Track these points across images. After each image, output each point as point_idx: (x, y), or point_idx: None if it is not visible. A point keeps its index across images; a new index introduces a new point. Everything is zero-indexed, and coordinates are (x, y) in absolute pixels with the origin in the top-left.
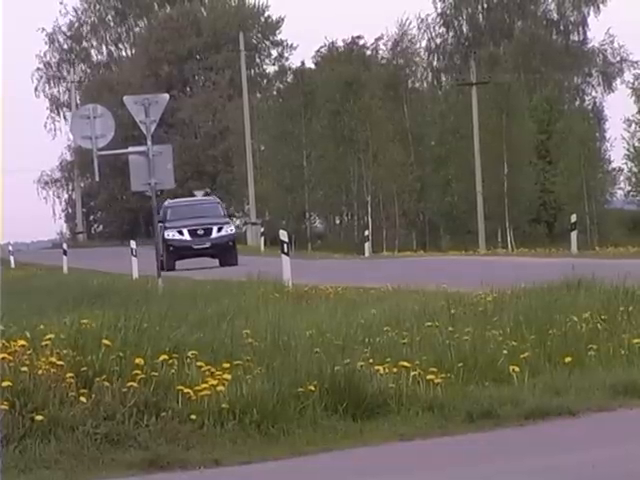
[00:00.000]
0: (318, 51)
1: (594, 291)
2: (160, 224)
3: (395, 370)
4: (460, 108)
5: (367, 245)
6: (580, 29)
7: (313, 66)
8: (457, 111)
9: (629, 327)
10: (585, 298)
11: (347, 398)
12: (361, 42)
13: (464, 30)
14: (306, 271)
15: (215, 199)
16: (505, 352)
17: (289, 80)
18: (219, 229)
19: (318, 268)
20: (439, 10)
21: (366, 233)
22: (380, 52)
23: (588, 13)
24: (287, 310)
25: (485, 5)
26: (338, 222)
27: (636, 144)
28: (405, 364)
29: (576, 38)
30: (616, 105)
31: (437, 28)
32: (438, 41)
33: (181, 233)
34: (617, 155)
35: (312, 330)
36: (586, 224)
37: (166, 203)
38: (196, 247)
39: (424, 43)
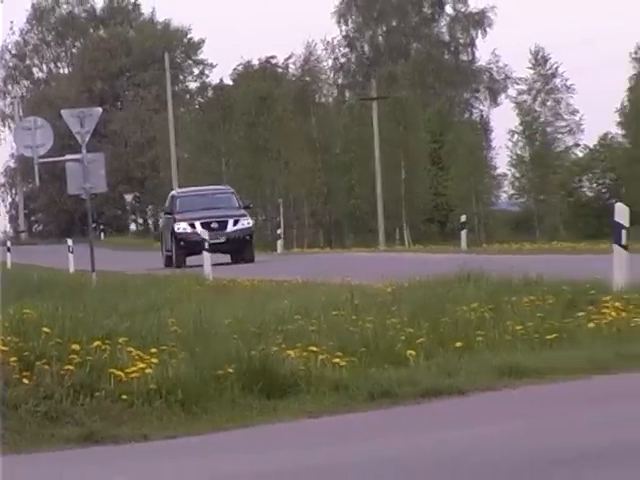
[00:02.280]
0: (235, 69)
1: (482, 283)
2: (167, 216)
3: (305, 354)
4: (362, 120)
5: (280, 242)
6: (469, 49)
7: (231, 82)
8: (359, 123)
9: (513, 315)
10: (474, 290)
11: (262, 379)
12: (273, 61)
13: (365, 50)
14: (225, 266)
15: (229, 188)
16: (403, 338)
17: (209, 95)
18: (235, 222)
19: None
20: (343, 32)
21: (278, 232)
22: (290, 70)
23: (476, 35)
24: (208, 301)
25: (384, 28)
26: (254, 222)
27: (518, 152)
28: (314, 349)
29: (465, 58)
30: (501, 117)
31: (341, 49)
32: (342, 60)
33: (193, 226)
34: (502, 162)
35: (230, 319)
36: (474, 223)
37: (174, 192)
38: (210, 242)
39: (330, 62)
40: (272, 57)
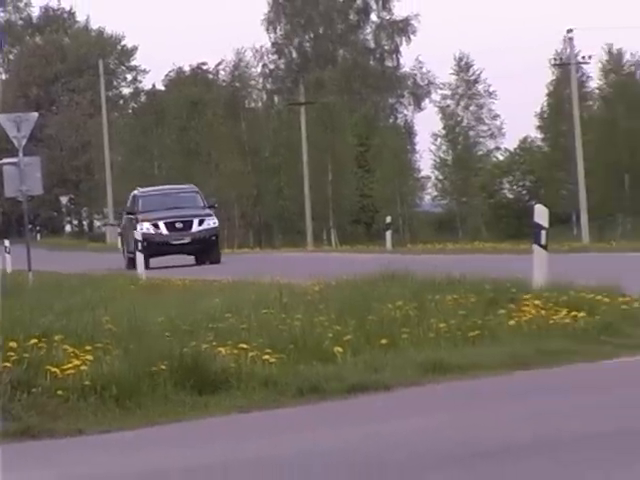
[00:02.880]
0: (167, 75)
1: (406, 282)
2: (130, 216)
3: (235, 351)
4: (291, 125)
5: None
6: (394, 56)
7: (163, 88)
8: (288, 127)
9: (437, 313)
10: (399, 288)
11: (194, 376)
12: (204, 67)
13: (294, 57)
14: (157, 265)
15: (193, 187)
16: (330, 335)
17: (142, 100)
18: (200, 222)
19: (167, 263)
20: (272, 40)
21: None
22: (220, 76)
23: (400, 42)
24: (141, 300)
25: (312, 35)
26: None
27: (441, 155)
28: (244, 346)
29: (390, 64)
30: (425, 122)
31: (270, 55)
32: (271, 67)
33: (156, 227)
34: (425, 165)
35: (163, 317)
36: (399, 224)
37: (136, 192)
38: (174, 243)
39: (259, 68)
40: (203, 63)
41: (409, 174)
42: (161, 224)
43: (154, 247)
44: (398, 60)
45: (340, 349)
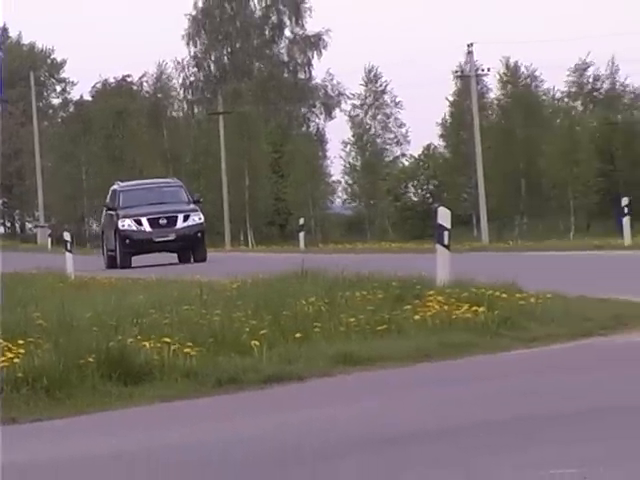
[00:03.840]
0: (94, 86)
1: (318, 280)
2: (110, 212)
3: (158, 345)
4: (210, 133)
5: None
6: (306, 69)
7: (90, 98)
8: (207, 135)
9: (346, 309)
10: (311, 286)
11: (119, 368)
12: (129, 79)
13: (212, 70)
14: (87, 265)
15: (176, 181)
16: (247, 329)
17: (71, 110)
18: (185, 218)
19: (95, 262)
20: (192, 53)
21: None
22: (144, 87)
23: (312, 56)
24: (70, 297)
25: (229, 49)
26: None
27: (351, 161)
28: (167, 340)
29: (303, 76)
30: (335, 130)
31: (190, 68)
32: (191, 79)
33: (139, 223)
34: (336, 170)
35: (91, 313)
36: (311, 226)
37: (116, 186)
38: (158, 240)
39: (180, 80)
40: (127, 75)
41: (320, 179)
42: (144, 220)
43: (136, 245)
44: (310, 72)
45: (256, 342)
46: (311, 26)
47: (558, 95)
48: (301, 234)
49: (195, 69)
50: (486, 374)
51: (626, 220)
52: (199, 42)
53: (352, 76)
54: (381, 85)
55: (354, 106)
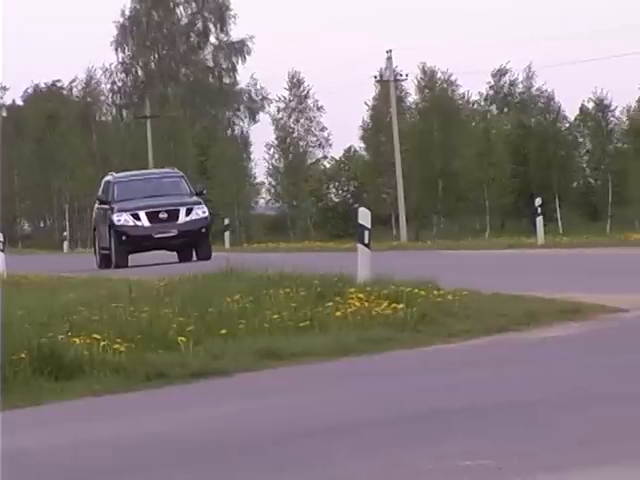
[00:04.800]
0: (26, 91)
1: (243, 278)
2: (103, 206)
3: (89, 341)
4: (138, 136)
5: (65, 243)
6: (231, 74)
7: (22, 103)
8: (135, 138)
9: (270, 306)
10: (236, 283)
11: (51, 363)
12: (59, 84)
13: (140, 75)
14: (19, 264)
15: (177, 172)
16: (174, 326)
17: (3, 114)
18: (188, 212)
19: (27, 262)
20: (120, 59)
21: (65, 234)
22: (74, 92)
23: (237, 61)
24: (3, 295)
25: (156, 55)
26: (42, 225)
27: (274, 163)
28: (96, 336)
29: (228, 81)
30: (259, 133)
31: (119, 74)
32: (120, 84)
33: (137, 218)
34: (260, 172)
35: (23, 310)
36: (237, 226)
37: (109, 177)
38: (158, 236)
39: (109, 85)
40: (58, 80)
41: (245, 180)
42: (142, 214)
43: (134, 242)
44: (235, 77)
45: (183, 338)
46: (235, 33)
47: (474, 99)
48: (226, 234)
49: (123, 74)
50: (405, 369)
51: (539, 220)
52: (127, 48)
53: (276, 81)
54: (304, 90)
55: (278, 110)
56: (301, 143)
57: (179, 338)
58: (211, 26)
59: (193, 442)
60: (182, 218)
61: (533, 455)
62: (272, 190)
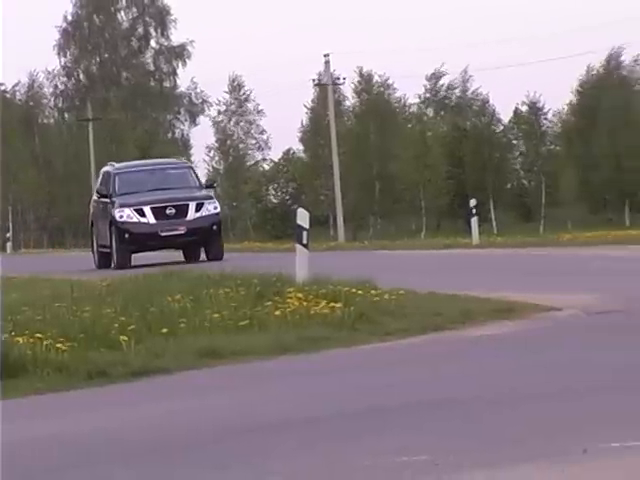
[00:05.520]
0: None
1: (184, 277)
2: (103, 199)
3: (32, 340)
4: (80, 139)
5: (9, 244)
6: (171, 78)
7: None
8: (78, 141)
9: (211, 305)
10: (177, 283)
11: None
12: (2, 88)
13: (82, 79)
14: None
15: (184, 162)
16: (116, 325)
17: None
18: (198, 207)
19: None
20: (62, 63)
21: (7, 235)
22: (17, 95)
23: (177, 65)
24: None
25: (98, 59)
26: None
27: (214, 165)
28: (39, 336)
29: (168, 85)
30: (200, 135)
31: (61, 77)
32: (62, 87)
33: (141, 213)
34: (201, 174)
35: None
36: None
37: (109, 168)
38: (165, 234)
39: (51, 89)
40: (1, 84)
41: None
42: (147, 210)
43: (138, 240)
44: (175, 81)
45: (125, 337)
46: (176, 37)
47: (411, 102)
48: None
49: (65, 78)
50: (343, 367)
51: (474, 220)
52: (69, 52)
53: (216, 84)
54: (244, 93)
55: (218, 112)
56: (241, 145)
57: (121, 337)
58: (152, 30)
59: (135, 440)
60: (191, 214)
61: (468, 451)
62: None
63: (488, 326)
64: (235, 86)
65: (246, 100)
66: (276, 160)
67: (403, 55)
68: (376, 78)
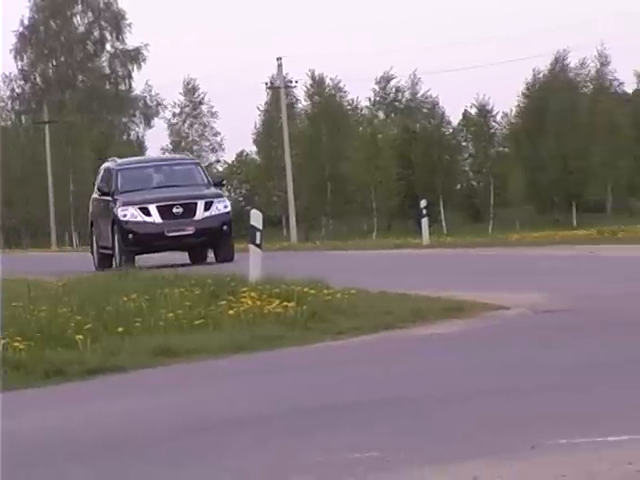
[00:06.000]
0: None
1: (139, 277)
2: (104, 197)
3: None
4: (37, 141)
5: None
6: (126, 81)
7: None
8: (34, 144)
9: (166, 305)
10: (133, 283)
11: None
12: None
13: (38, 82)
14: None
15: (191, 158)
16: (73, 324)
17: None
18: (207, 205)
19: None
20: (19, 67)
21: None
22: None
23: (132, 69)
24: None
25: (54, 63)
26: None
27: None
28: None
29: (123, 88)
30: (154, 137)
31: (18, 81)
32: (18, 91)
33: (146, 212)
34: None
35: None
36: None
37: (110, 164)
38: (172, 234)
39: (8, 92)
40: None
41: None
42: (153, 209)
43: (143, 241)
44: (130, 84)
45: (81, 337)
46: (131, 41)
47: (362, 105)
48: None
49: (22, 81)
50: (296, 365)
51: (424, 221)
52: (26, 56)
53: (171, 87)
54: (198, 96)
55: (173, 115)
56: (195, 147)
57: (77, 336)
58: (107, 34)
59: (91, 438)
60: (200, 213)
61: (419, 448)
62: None
63: (438, 325)
64: (189, 89)
65: (200, 103)
66: (230, 162)
67: (354, 59)
68: (328, 81)
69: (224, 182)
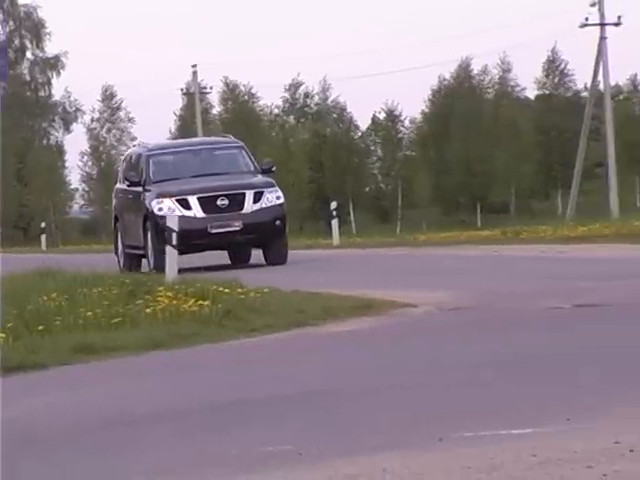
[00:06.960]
0: None
1: (59, 277)
2: (133, 188)
3: None
4: None
5: None
6: (46, 87)
7: None
8: None
9: (85, 304)
10: (53, 282)
11: None
12: None
13: None
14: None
15: (235, 141)
16: None
17: None
18: (257, 196)
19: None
20: None
21: None
22: None
23: (52, 75)
24: None
25: None
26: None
27: (88, 170)
28: None
29: (43, 94)
30: (73, 142)
31: None
32: None
33: (185, 205)
34: (75, 178)
35: None
36: (52, 229)
37: (139, 149)
38: (216, 231)
39: None
40: None
41: (61, 186)
42: (193, 201)
43: (183, 239)
44: (50, 91)
45: (3, 335)
46: (50, 49)
47: (274, 110)
48: (43, 236)
49: None
50: (211, 361)
51: (334, 222)
52: None
53: (90, 94)
54: (116, 102)
55: (92, 120)
56: (113, 152)
57: None
58: (27, 43)
59: (10, 433)
60: (249, 206)
61: (331, 441)
62: (85, 195)
63: (348, 322)
64: (107, 95)
65: (118, 108)
66: None
67: (266, 66)
68: (241, 87)
69: (273, 169)
